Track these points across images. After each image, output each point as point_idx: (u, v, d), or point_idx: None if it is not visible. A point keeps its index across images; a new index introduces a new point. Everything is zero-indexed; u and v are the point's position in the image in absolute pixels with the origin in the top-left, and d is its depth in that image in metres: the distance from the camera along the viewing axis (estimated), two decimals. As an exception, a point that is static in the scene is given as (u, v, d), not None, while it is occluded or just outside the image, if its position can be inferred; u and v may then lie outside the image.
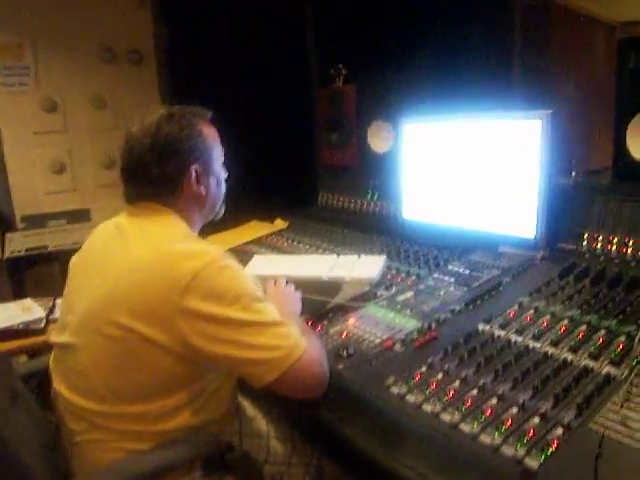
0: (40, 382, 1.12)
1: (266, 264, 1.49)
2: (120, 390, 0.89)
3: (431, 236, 1.62)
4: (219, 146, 1.08)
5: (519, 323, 1.05)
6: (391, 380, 0.93)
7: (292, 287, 1.22)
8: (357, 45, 2.02)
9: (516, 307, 1.11)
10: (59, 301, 1.65)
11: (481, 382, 0.87)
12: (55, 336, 1.01)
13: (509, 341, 0.99)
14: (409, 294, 1.27)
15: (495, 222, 1.49)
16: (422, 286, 1.31)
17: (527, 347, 0.95)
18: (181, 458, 0.89)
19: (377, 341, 1.07)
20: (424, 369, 0.95)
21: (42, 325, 1.59)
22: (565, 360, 0.90)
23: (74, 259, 1.07)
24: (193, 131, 1.00)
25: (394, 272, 1.42)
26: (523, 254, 1.39)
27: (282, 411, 1.09)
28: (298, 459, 1.08)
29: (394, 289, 1.31)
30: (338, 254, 1.56)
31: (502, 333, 1.02)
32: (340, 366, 1.00)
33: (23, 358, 1.61)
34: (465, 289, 1.25)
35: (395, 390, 0.90)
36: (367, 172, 2.04)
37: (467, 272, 1.34)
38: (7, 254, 2.24)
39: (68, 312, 0.99)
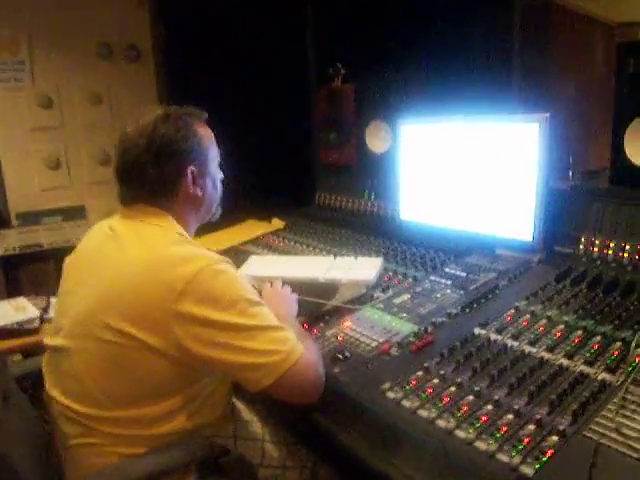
0: (34, 383, 1.11)
1: (262, 265, 1.48)
2: (114, 394, 0.89)
3: (428, 237, 1.61)
4: (215, 147, 1.07)
5: (515, 327, 1.05)
6: (387, 385, 0.92)
7: (289, 289, 1.22)
8: (356, 45, 2.01)
9: (512, 311, 1.11)
10: (53, 300, 1.64)
11: (477, 388, 0.87)
12: (49, 339, 1.00)
13: (505, 346, 0.99)
14: (406, 297, 1.27)
15: (492, 224, 1.49)
16: (419, 289, 1.31)
17: (523, 352, 0.95)
18: (176, 462, 0.89)
19: (373, 344, 1.07)
20: (420, 374, 0.94)
21: (36, 325, 1.58)
22: (561, 366, 0.90)
23: (68, 259, 1.06)
24: (189, 132, 0.99)
25: (391, 274, 1.42)
26: (520, 257, 1.39)
27: (277, 414, 1.09)
28: (293, 462, 1.08)
29: (391, 291, 1.31)
30: (335, 255, 1.56)
31: (498, 338, 1.02)
32: (336, 370, 1.00)
33: (18, 357, 1.60)
34: (462, 292, 1.25)
35: (391, 395, 0.90)
36: (365, 172, 2.03)
37: (464, 275, 1.34)
38: (1, 252, 2.23)
39: (62, 315, 0.98)
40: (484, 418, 0.80)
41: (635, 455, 0.69)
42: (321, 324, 1.20)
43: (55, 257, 2.19)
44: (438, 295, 1.25)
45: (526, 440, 0.75)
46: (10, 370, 1.13)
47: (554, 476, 0.69)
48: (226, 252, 1.80)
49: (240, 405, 1.13)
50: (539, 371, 0.89)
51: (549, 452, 0.72)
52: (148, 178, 0.96)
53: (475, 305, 1.17)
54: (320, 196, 2.21)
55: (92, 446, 0.90)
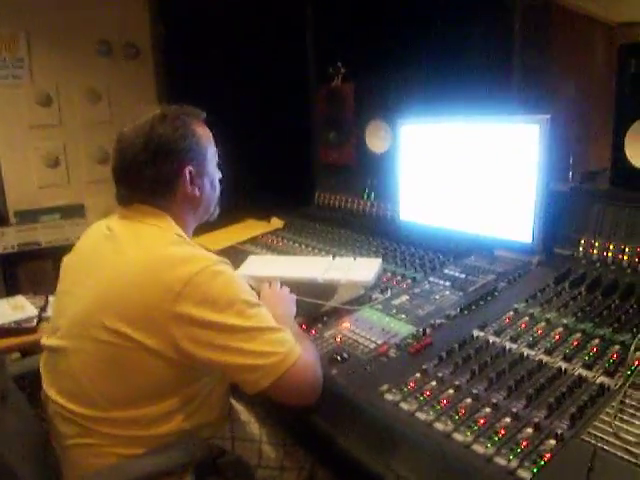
0: (32, 382, 1.11)
1: (261, 265, 1.48)
2: (112, 395, 0.89)
3: (427, 238, 1.61)
4: (213, 146, 1.06)
5: (514, 330, 1.04)
6: (385, 387, 0.92)
7: (287, 290, 1.22)
8: (356, 44, 2.01)
9: (511, 313, 1.11)
10: (52, 299, 1.63)
11: (475, 390, 0.87)
12: (46, 339, 0.99)
13: (504, 348, 0.98)
14: (404, 298, 1.27)
15: (492, 226, 1.48)
16: (417, 290, 1.30)
17: (521, 355, 0.95)
18: (173, 463, 0.89)
19: (372, 346, 1.07)
20: (418, 376, 0.94)
21: (34, 324, 1.58)
22: (559, 369, 0.89)
23: (66, 259, 1.06)
24: (187, 132, 0.98)
25: (389, 275, 1.42)
26: (519, 258, 1.39)
27: (275, 415, 1.09)
28: (290, 464, 1.08)
29: (389, 292, 1.31)
30: (334, 256, 1.55)
31: (497, 340, 1.02)
32: (334, 371, 1.00)
33: (16, 355, 1.60)
34: (461, 294, 1.25)
35: (389, 397, 0.90)
36: (364, 172, 2.03)
37: (463, 276, 1.34)
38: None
39: (59, 315, 0.98)
40: (482, 421, 0.80)
41: (633, 460, 0.69)
42: (319, 325, 1.19)
43: (54, 255, 2.17)
44: (437, 296, 1.25)
45: (524, 443, 0.75)
46: (8, 369, 1.13)
47: (552, 480, 0.69)
48: (225, 251, 1.80)
49: (238, 406, 1.12)
50: (537, 374, 0.89)
51: (547, 456, 0.72)
52: (145, 178, 0.95)
53: (474, 307, 1.17)
54: (319, 196, 2.20)
55: (89, 446, 0.90)
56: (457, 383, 0.90)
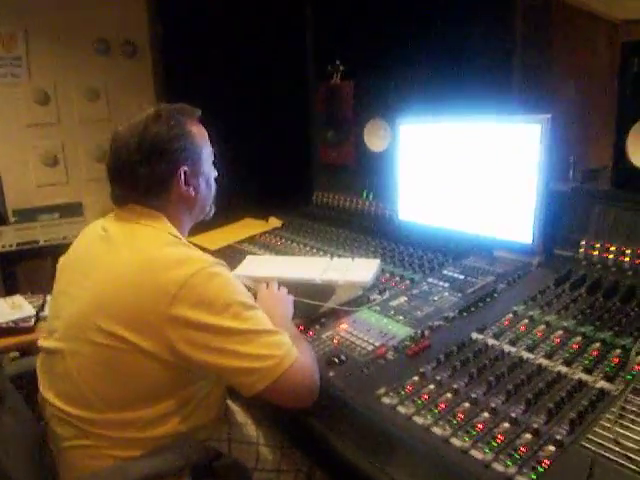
0: (29, 382, 1.11)
1: (259, 265, 1.47)
2: (108, 397, 0.88)
3: (426, 238, 1.60)
4: (209, 145, 1.05)
5: (513, 333, 1.03)
6: (382, 390, 0.91)
7: (285, 290, 1.21)
8: (356, 43, 1.99)
9: (510, 315, 1.10)
10: (49, 298, 1.63)
11: (473, 395, 0.86)
12: (43, 340, 0.99)
13: (502, 351, 0.97)
14: (402, 299, 1.26)
15: (491, 226, 1.47)
16: (416, 291, 1.29)
17: (521, 358, 0.94)
18: (169, 466, 0.88)
19: (369, 348, 1.06)
20: (416, 379, 0.93)
21: (32, 323, 1.58)
22: (559, 373, 0.88)
23: (62, 260, 1.05)
24: (181, 131, 0.97)
25: (388, 275, 1.41)
26: (519, 259, 1.38)
27: (271, 417, 1.08)
28: (287, 466, 1.07)
29: (387, 293, 1.30)
30: (332, 256, 1.55)
31: (496, 343, 1.01)
32: (331, 373, 0.99)
33: (15, 353, 1.60)
34: (459, 295, 1.24)
35: (386, 400, 0.89)
36: (363, 171, 2.02)
37: (462, 277, 1.33)
38: (-2, 248, 2.21)
39: (55, 316, 0.97)
40: (480, 426, 0.79)
41: (634, 467, 0.68)
42: (317, 326, 1.19)
43: (52, 254, 2.17)
44: (435, 298, 1.24)
45: (522, 449, 0.74)
46: (5, 369, 1.12)
47: (550, 487, 0.68)
48: (223, 251, 1.79)
49: (235, 407, 1.12)
50: (537, 378, 0.88)
51: (546, 462, 0.71)
52: (139, 178, 0.94)
53: (473, 309, 1.16)
54: (318, 195, 2.19)
55: (86, 448, 0.89)
56: (455, 387, 0.89)
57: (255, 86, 2.24)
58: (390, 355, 1.03)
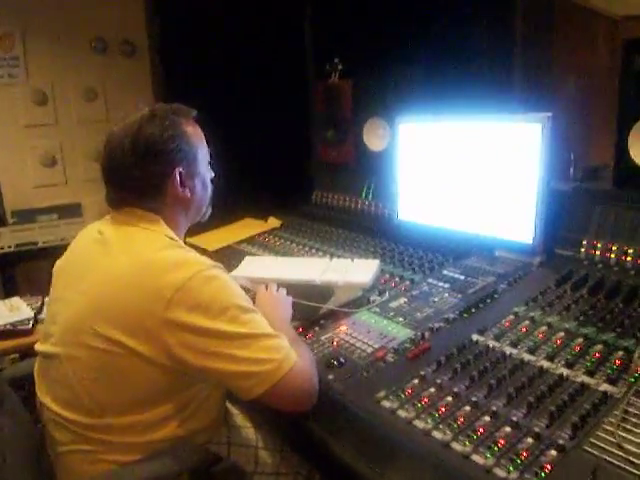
0: (28, 385, 1.10)
1: (257, 266, 1.46)
2: (105, 402, 0.87)
3: (426, 238, 1.59)
4: (204, 146, 1.03)
5: (514, 334, 1.02)
6: (382, 393, 0.90)
7: (284, 292, 1.20)
8: (355, 41, 1.98)
9: (511, 317, 1.09)
10: (47, 300, 1.62)
11: (474, 398, 0.85)
12: (40, 345, 0.98)
13: (503, 354, 0.96)
14: (402, 300, 1.25)
15: (492, 226, 1.46)
16: (416, 292, 1.28)
17: (522, 361, 0.93)
18: (168, 471, 0.87)
19: (369, 350, 1.05)
20: (416, 382, 0.92)
21: (30, 326, 1.56)
22: (561, 375, 0.87)
23: (58, 263, 1.04)
24: (176, 132, 0.95)
25: (388, 276, 1.40)
26: (520, 259, 1.37)
27: (271, 420, 1.07)
28: (287, 469, 1.06)
29: (387, 295, 1.29)
30: (331, 256, 1.53)
31: (497, 345, 1.00)
32: (330, 376, 0.98)
33: (14, 356, 1.59)
34: (460, 296, 1.22)
35: (386, 404, 0.88)
36: (362, 170, 2.00)
37: (462, 278, 1.32)
38: (-4, 250, 2.21)
39: (52, 321, 0.96)
40: (481, 430, 0.78)
41: (637, 472, 0.67)
42: (316, 328, 1.18)
43: (51, 255, 2.15)
44: (436, 299, 1.23)
45: (524, 454, 0.73)
46: (4, 372, 1.12)
47: (552, 493, 0.67)
48: (221, 251, 1.78)
49: (234, 410, 1.11)
50: (538, 381, 0.87)
51: (547, 467, 0.70)
52: (133, 179, 0.93)
53: (473, 310, 1.15)
54: (317, 195, 2.18)
55: (84, 453, 0.89)
56: (456, 390, 0.88)
57: (254, 85, 2.23)
58: (390, 357, 1.02)
